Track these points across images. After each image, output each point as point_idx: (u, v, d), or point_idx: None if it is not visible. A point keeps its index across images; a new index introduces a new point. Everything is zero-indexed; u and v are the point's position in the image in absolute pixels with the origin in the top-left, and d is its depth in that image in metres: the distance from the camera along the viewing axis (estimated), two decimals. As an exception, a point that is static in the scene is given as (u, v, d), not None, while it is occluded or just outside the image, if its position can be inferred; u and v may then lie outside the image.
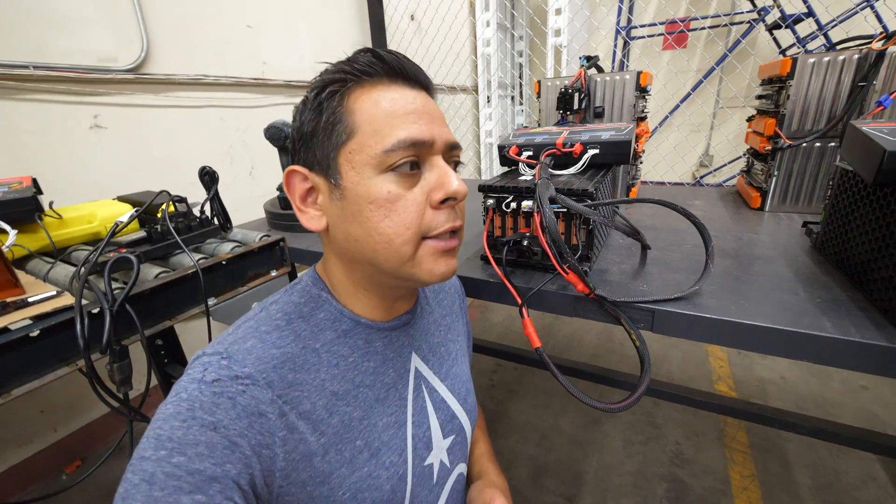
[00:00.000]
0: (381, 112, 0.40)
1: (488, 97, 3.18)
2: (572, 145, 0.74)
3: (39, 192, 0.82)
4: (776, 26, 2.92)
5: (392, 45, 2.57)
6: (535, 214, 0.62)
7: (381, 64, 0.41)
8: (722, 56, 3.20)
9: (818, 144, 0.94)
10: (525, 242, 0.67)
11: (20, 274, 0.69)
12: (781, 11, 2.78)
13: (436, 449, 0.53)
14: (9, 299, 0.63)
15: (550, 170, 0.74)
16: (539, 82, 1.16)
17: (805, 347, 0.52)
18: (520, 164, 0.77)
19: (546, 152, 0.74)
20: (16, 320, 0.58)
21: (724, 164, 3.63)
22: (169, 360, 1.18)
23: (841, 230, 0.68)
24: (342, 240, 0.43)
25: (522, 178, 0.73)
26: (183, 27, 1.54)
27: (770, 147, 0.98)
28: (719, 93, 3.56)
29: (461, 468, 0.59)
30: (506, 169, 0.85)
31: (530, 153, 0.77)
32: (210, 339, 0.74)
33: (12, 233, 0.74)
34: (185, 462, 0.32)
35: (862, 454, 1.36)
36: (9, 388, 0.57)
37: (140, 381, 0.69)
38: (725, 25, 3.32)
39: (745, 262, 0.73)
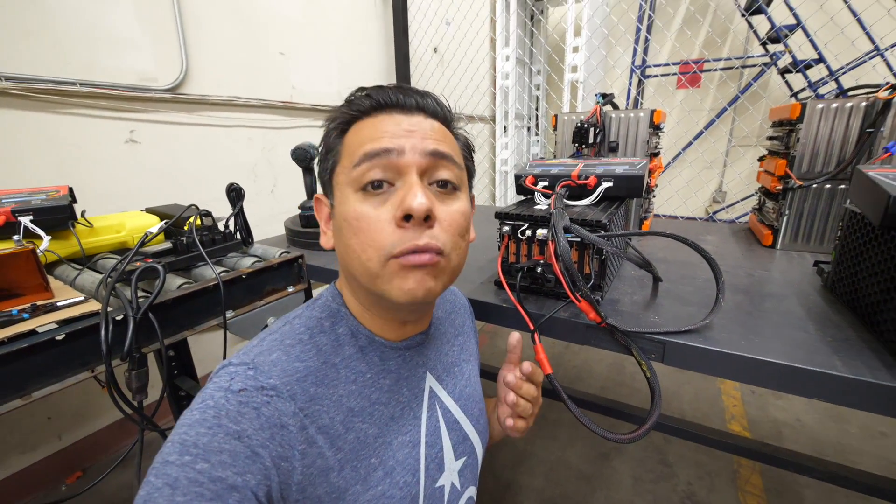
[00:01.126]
0: (360, 137, 0.43)
1: (505, 127, 3.27)
2: (587, 177, 0.76)
3: (74, 200, 0.86)
4: (788, 70, 2.99)
5: (415, 75, 2.69)
6: (550, 242, 0.64)
7: (369, 100, 0.44)
8: (734, 97, 3.27)
9: (828, 186, 0.95)
10: (539, 269, 0.69)
11: (50, 279, 0.72)
12: (793, 57, 2.86)
13: (447, 471, 0.52)
14: (39, 302, 0.65)
15: (565, 200, 0.76)
16: (556, 116, 1.20)
17: (816, 385, 0.52)
18: (536, 193, 0.80)
19: (561, 183, 0.76)
20: (43, 323, 0.60)
21: (737, 201, 3.64)
22: (179, 373, 1.19)
23: (851, 270, 0.68)
24: (338, 257, 0.47)
25: (538, 206, 0.76)
26: (221, 51, 1.64)
27: (781, 187, 1.00)
28: (732, 132, 3.62)
29: (471, 491, 0.58)
30: (521, 197, 0.87)
31: (546, 183, 0.80)
32: (225, 351, 0.76)
33: (46, 238, 0.77)
34: (209, 469, 0.32)
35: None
36: (30, 390, 0.59)
37: (154, 390, 0.70)
38: (738, 68, 3.41)
39: (757, 299, 0.73)
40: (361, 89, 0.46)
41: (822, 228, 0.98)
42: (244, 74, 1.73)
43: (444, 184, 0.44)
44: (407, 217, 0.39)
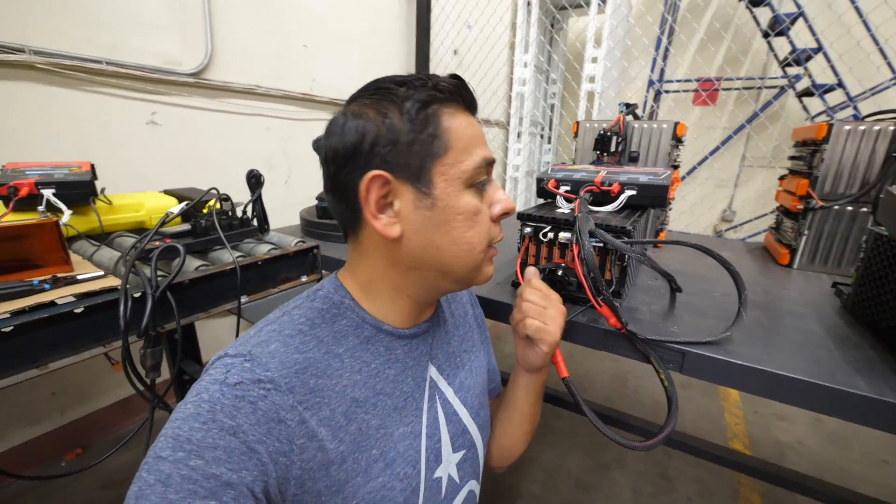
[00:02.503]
0: (468, 133, 0.44)
1: (519, 133, 3.27)
2: (611, 184, 0.76)
3: (95, 177, 0.87)
4: (806, 93, 2.98)
5: (434, 76, 2.70)
6: (574, 246, 0.64)
7: (461, 92, 0.45)
8: (752, 115, 3.27)
9: (850, 208, 0.95)
10: (560, 272, 0.69)
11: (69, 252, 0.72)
12: (812, 80, 2.85)
13: (444, 462, 0.52)
14: (59, 274, 0.66)
15: (588, 206, 0.76)
16: (577, 123, 1.20)
17: (839, 404, 0.52)
18: (558, 196, 0.80)
19: (586, 188, 0.76)
20: (63, 295, 0.61)
21: (747, 221, 3.62)
22: (185, 356, 1.19)
23: (873, 293, 0.68)
24: (419, 247, 0.44)
25: (559, 210, 0.76)
26: (245, 40, 1.65)
27: (802, 206, 1.00)
28: (747, 150, 3.61)
29: (472, 485, 0.58)
30: (542, 200, 0.87)
31: (568, 188, 0.80)
32: (238, 335, 0.76)
33: (67, 212, 0.78)
34: (203, 466, 0.32)
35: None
36: (47, 361, 0.59)
37: (166, 370, 0.70)
38: (757, 88, 3.40)
39: (776, 316, 0.73)
40: (453, 76, 0.46)
41: (842, 250, 0.98)
42: (266, 64, 1.74)
43: None
44: (503, 215, 0.48)
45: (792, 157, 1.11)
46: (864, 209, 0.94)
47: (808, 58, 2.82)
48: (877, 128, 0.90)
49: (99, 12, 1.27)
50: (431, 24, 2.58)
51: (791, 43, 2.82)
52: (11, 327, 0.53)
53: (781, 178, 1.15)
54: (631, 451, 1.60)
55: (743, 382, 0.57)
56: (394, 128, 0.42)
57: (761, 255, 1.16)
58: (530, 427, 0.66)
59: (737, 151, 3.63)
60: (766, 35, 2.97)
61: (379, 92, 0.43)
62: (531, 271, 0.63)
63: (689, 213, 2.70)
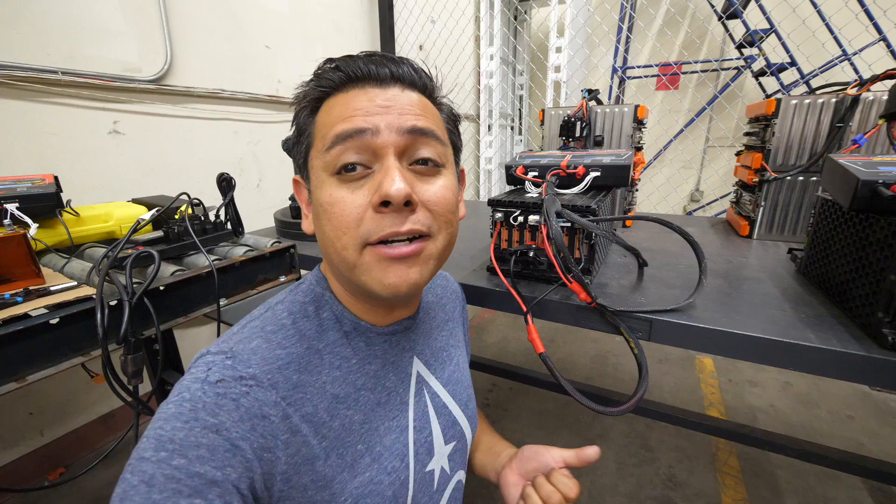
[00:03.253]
0: (332, 116, 0.39)
1: (489, 126, 3.30)
2: (576, 167, 0.79)
3: (60, 189, 0.85)
4: (762, 73, 3.12)
5: (400, 73, 2.70)
6: (542, 227, 0.67)
7: (339, 74, 0.40)
8: (712, 97, 3.39)
9: (801, 178, 1.01)
10: (531, 254, 0.71)
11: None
12: (766, 60, 2.98)
13: (437, 455, 0.52)
14: (31, 287, 0.65)
15: (555, 188, 0.79)
16: (543, 111, 1.23)
17: (792, 357, 0.56)
18: (526, 182, 0.82)
19: (552, 172, 0.79)
20: (37, 307, 0.60)
21: (715, 200, 3.77)
22: (164, 366, 1.18)
23: (822, 254, 0.73)
24: (318, 242, 0.45)
25: (529, 195, 0.78)
26: (206, 43, 1.62)
27: (757, 179, 1.05)
28: (710, 132, 3.74)
29: (460, 475, 0.58)
30: (511, 188, 0.90)
31: (536, 173, 0.83)
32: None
33: (33, 226, 0.76)
34: (186, 464, 0.31)
35: (849, 481, 1.37)
36: (24, 374, 0.58)
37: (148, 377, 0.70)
38: (715, 70, 3.52)
39: (736, 282, 0.78)
40: (329, 61, 0.42)
41: (796, 218, 1.04)
42: (230, 67, 1.71)
43: (425, 161, 0.41)
44: (385, 203, 0.37)
45: (747, 133, 1.17)
46: (815, 178, 1.00)
47: (762, 39, 2.94)
48: (821, 101, 0.96)
49: (51, 21, 1.22)
50: (395, 19, 2.57)
51: (745, 24, 2.93)
52: (-15, 342, 0.53)
53: (738, 153, 1.21)
54: (614, 426, 1.66)
55: (706, 345, 0.61)
56: (294, 132, 0.45)
57: (724, 228, 1.22)
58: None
59: (700, 133, 3.76)
60: (720, 17, 3.08)
61: None
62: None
63: (657, 194, 2.79)
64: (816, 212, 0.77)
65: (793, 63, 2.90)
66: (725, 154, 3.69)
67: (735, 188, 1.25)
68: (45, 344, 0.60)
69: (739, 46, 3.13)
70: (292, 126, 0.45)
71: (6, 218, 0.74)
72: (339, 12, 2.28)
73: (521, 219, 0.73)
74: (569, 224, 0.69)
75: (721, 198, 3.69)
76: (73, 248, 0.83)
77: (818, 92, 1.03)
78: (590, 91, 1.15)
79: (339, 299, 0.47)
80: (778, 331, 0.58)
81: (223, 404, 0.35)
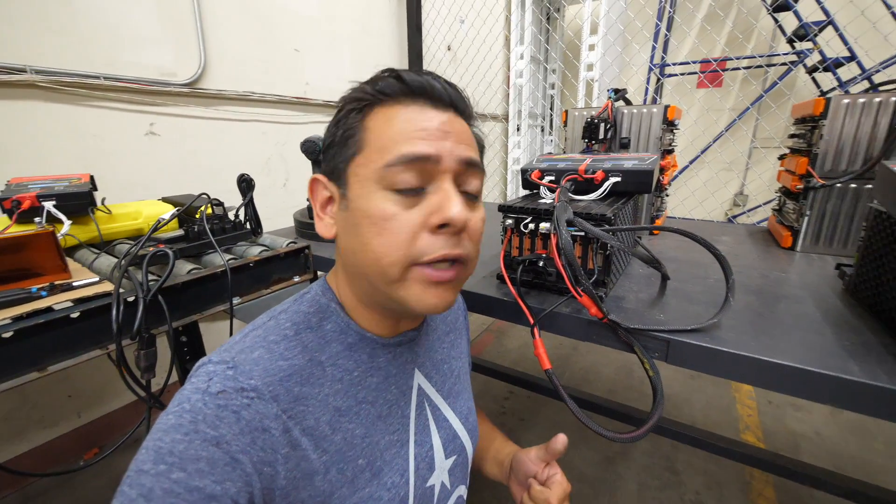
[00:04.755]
0: (392, 129, 0.40)
1: (518, 126, 3.24)
2: (594, 172, 0.75)
3: (95, 188, 0.89)
4: (816, 69, 2.88)
5: (428, 73, 2.70)
6: (552, 236, 0.63)
7: (400, 84, 0.41)
8: (758, 96, 3.17)
9: (853, 185, 0.91)
10: (541, 263, 0.68)
11: (68, 261, 0.75)
12: (821, 54, 2.75)
13: (438, 469, 0.51)
14: (57, 282, 0.68)
15: (571, 195, 0.75)
16: (566, 112, 1.18)
17: (828, 390, 0.50)
18: (541, 187, 0.79)
19: (567, 177, 0.75)
20: (59, 301, 0.63)
21: (759, 206, 3.52)
22: (191, 357, 1.22)
23: (874, 273, 0.65)
24: (344, 250, 0.44)
25: (543, 201, 0.75)
26: (237, 48, 1.68)
27: (802, 186, 0.96)
28: (755, 132, 3.50)
29: (461, 490, 0.57)
30: (527, 192, 0.86)
31: (552, 178, 0.79)
32: (231, 335, 0.78)
33: (67, 223, 0.81)
34: (185, 478, 0.31)
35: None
36: (46, 364, 0.61)
37: (162, 372, 0.72)
38: (762, 66, 3.29)
39: (770, 300, 0.71)
40: (389, 71, 0.42)
41: (847, 230, 0.94)
42: (259, 70, 1.77)
43: (470, 193, 0.43)
44: (443, 225, 0.39)
45: (792, 136, 1.07)
46: (869, 185, 0.90)
47: (816, 32, 2.72)
48: (878, 100, 0.86)
49: (95, 30, 1.31)
50: (423, 20, 2.57)
51: (797, 15, 2.72)
52: (11, 332, 0.56)
53: (782, 157, 1.12)
54: (637, 445, 1.58)
55: (729, 371, 0.56)
56: (329, 131, 0.44)
57: (763, 238, 1.13)
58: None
59: (743, 134, 3.52)
60: (769, 9, 2.87)
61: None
62: (561, 442, 0.55)
63: (693, 198, 2.63)
64: (868, 224, 0.69)
65: (852, 57, 2.65)
66: (772, 157, 3.42)
67: (778, 195, 1.16)
68: (67, 336, 0.63)
69: (790, 40, 2.90)
70: (335, 126, 0.44)
71: (42, 216, 0.78)
72: (366, 13, 2.31)
73: (532, 226, 0.70)
74: (582, 233, 0.65)
75: (765, 203, 3.44)
76: (103, 244, 0.87)
77: (881, 89, 0.93)
78: (616, 91, 1.09)
79: (347, 310, 0.47)
80: (813, 359, 0.52)
81: (224, 416, 0.34)
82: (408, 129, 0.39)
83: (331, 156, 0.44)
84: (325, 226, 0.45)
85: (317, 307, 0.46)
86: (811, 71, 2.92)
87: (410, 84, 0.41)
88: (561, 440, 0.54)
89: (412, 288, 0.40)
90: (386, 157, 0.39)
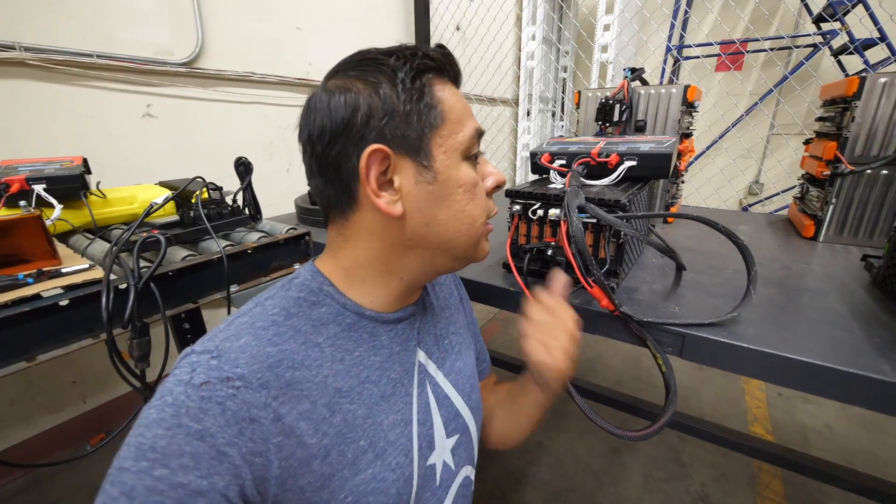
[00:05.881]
0: (459, 105, 0.44)
1: (528, 110, 3.16)
2: (608, 155, 0.71)
3: (88, 171, 0.86)
4: (843, 50, 2.74)
5: (436, 54, 2.62)
6: (562, 223, 0.59)
7: (449, 63, 0.44)
8: (781, 78, 3.03)
9: (885, 172, 0.86)
10: (549, 252, 0.64)
11: (60, 247, 0.72)
12: (849, 35, 2.61)
13: (438, 448, 0.50)
14: (45, 268, 0.66)
15: (583, 179, 0.71)
16: (579, 92, 1.12)
17: (858, 391, 0.46)
18: (551, 172, 0.75)
19: (579, 161, 0.70)
20: (47, 288, 0.61)
21: (777, 194, 3.42)
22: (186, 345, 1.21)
23: (908, 265, 0.60)
24: (422, 224, 0.43)
25: (552, 186, 0.71)
26: (237, 26, 1.62)
27: (829, 172, 0.91)
28: (775, 116, 3.37)
29: (467, 470, 0.56)
30: (536, 177, 0.82)
31: (563, 162, 0.75)
32: (227, 323, 0.76)
33: (58, 207, 0.78)
34: (168, 475, 0.30)
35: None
36: (35, 353, 0.59)
37: (158, 361, 0.70)
38: (786, 48, 3.15)
39: (793, 293, 0.67)
40: (440, 46, 0.46)
41: (875, 219, 0.89)
42: (260, 49, 1.71)
43: None
44: (497, 187, 0.48)
45: (819, 119, 1.01)
46: (902, 172, 0.84)
47: (846, 11, 2.58)
48: (917, 80, 0.80)
49: (85, 5, 1.26)
50: (431, -1, 2.48)
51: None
52: (-4, 321, 0.54)
53: (807, 142, 1.05)
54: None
55: (748, 368, 0.52)
56: (388, 99, 0.39)
57: (784, 227, 1.08)
58: (532, 429, 0.64)
59: (763, 119, 3.39)
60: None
61: (364, 63, 0.41)
62: (558, 280, 0.55)
63: (708, 185, 2.55)
64: (903, 213, 0.64)
65: (882, 38, 2.52)
66: (793, 143, 3.31)
67: (801, 182, 1.10)
68: (56, 324, 0.61)
69: (818, 19, 2.76)
70: (403, 93, 0.40)
71: (31, 200, 0.76)
72: (373, -9, 2.23)
73: (540, 212, 0.66)
74: (594, 220, 0.61)
75: (783, 191, 3.33)
76: (97, 230, 0.85)
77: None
78: (633, 70, 1.03)
79: (345, 291, 0.45)
80: (841, 358, 0.48)
81: (208, 409, 0.33)
82: (464, 104, 0.45)
83: (407, 125, 0.40)
84: (388, 202, 0.41)
85: (308, 291, 0.45)
86: (837, 53, 2.78)
87: (454, 67, 0.45)
88: (560, 278, 0.56)
89: (483, 242, 0.48)
90: (467, 131, 0.43)
